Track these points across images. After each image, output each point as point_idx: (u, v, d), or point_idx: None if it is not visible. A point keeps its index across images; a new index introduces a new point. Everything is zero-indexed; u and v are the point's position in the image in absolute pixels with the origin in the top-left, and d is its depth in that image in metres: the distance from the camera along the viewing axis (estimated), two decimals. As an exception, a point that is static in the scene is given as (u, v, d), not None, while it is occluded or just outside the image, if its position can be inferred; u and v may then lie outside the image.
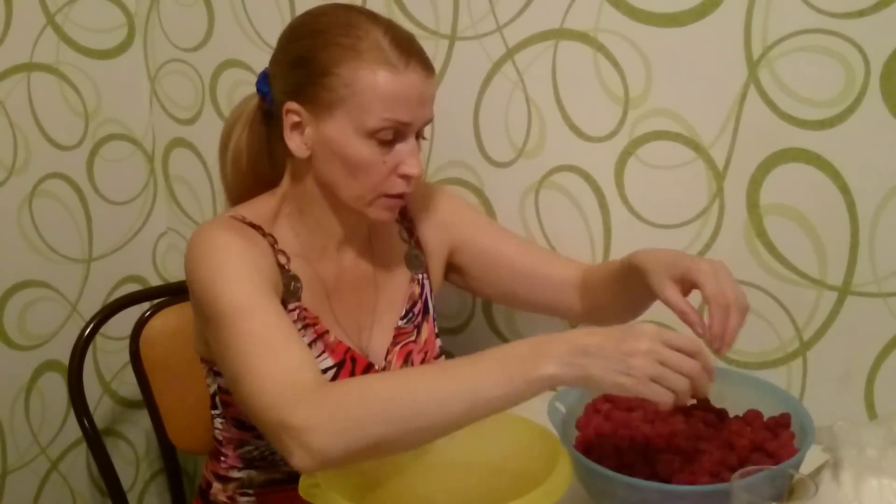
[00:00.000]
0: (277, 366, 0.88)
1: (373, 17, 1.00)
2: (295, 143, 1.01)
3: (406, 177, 1.01)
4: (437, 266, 1.19)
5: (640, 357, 0.79)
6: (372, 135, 0.98)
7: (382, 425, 0.82)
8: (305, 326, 1.04)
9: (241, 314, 0.92)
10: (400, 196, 1.03)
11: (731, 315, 0.91)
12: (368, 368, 1.08)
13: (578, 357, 0.80)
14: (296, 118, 1.00)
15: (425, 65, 1.00)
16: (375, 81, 0.96)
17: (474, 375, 0.82)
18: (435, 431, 0.83)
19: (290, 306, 1.03)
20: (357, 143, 0.98)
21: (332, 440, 0.82)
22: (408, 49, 0.98)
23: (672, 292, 0.94)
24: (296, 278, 1.04)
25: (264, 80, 1.05)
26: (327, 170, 1.01)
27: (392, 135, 0.99)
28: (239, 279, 0.95)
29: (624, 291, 1.08)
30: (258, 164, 1.10)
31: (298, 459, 0.83)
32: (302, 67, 0.99)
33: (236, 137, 1.08)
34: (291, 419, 0.83)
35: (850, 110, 1.05)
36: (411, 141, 1.01)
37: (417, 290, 1.16)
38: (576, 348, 0.80)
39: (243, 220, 1.03)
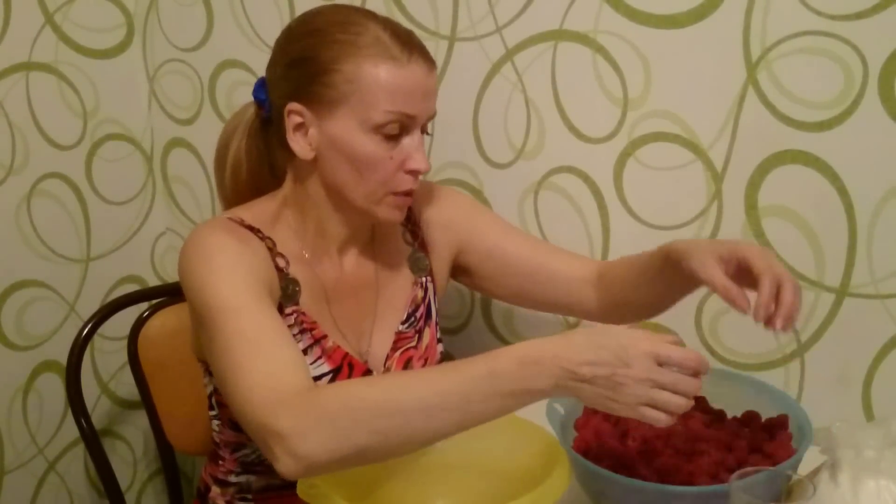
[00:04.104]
0: (263, 367, 0.86)
1: (370, 14, 1.00)
2: (299, 144, 1.00)
3: (413, 172, 1.01)
4: (442, 268, 1.18)
5: (633, 385, 0.77)
6: (377, 129, 0.97)
7: (368, 435, 0.80)
8: (302, 331, 1.03)
9: (230, 313, 0.91)
10: (408, 193, 1.02)
11: (785, 288, 0.88)
12: (367, 375, 1.07)
13: (570, 381, 0.78)
14: (298, 119, 0.99)
15: (427, 58, 0.99)
16: (378, 75, 0.95)
17: (463, 389, 0.79)
18: (421, 441, 0.82)
19: (288, 310, 1.02)
20: (363, 140, 0.97)
21: (317, 447, 0.80)
22: (408, 42, 0.98)
23: (714, 270, 0.91)
24: (294, 281, 1.03)
25: (261, 87, 1.05)
26: (333, 170, 1.00)
27: (398, 129, 0.98)
28: (230, 278, 0.94)
29: (651, 284, 1.05)
30: (258, 174, 1.09)
31: (283, 465, 0.81)
32: (302, 67, 0.98)
33: (235, 147, 1.07)
34: (276, 424, 0.81)
35: (849, 112, 1.05)
36: (416, 135, 1.00)
37: (420, 293, 1.15)
38: (567, 373, 0.78)
39: (241, 223, 1.02)
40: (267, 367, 0.87)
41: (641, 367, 0.77)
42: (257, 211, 1.05)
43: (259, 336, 0.89)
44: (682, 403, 0.78)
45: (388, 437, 0.81)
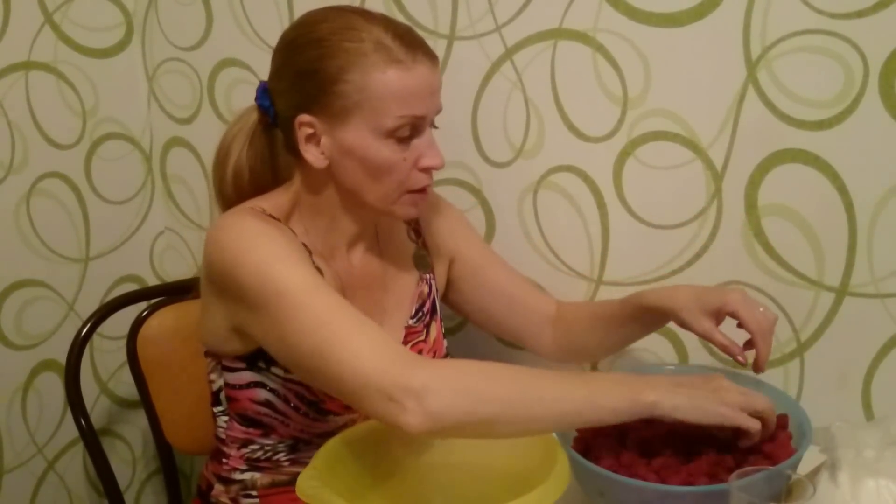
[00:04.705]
0: (373, 332, 0.88)
1: (368, 16, 1.00)
2: (312, 154, 1.00)
3: (427, 169, 1.02)
4: (441, 269, 1.20)
5: (730, 391, 0.89)
6: (390, 134, 0.98)
7: (501, 404, 0.84)
8: None
9: (310, 291, 0.91)
10: (423, 190, 1.03)
11: (767, 341, 0.99)
12: None
13: (680, 388, 0.88)
14: (309, 130, 1.00)
15: (430, 55, 1.00)
16: (387, 81, 0.96)
17: (586, 384, 0.88)
18: (545, 423, 0.87)
19: None
20: (376, 146, 0.98)
21: (452, 406, 0.83)
22: (411, 42, 0.98)
23: (711, 327, 1.00)
24: (320, 272, 1.04)
25: (264, 94, 1.04)
26: (349, 176, 1.01)
27: (409, 131, 0.99)
28: (292, 260, 0.94)
29: (612, 331, 1.12)
30: (261, 178, 1.09)
31: (412, 419, 0.82)
32: (310, 78, 0.98)
33: (237, 153, 1.07)
34: (411, 380, 0.83)
35: (849, 111, 1.05)
36: (427, 133, 1.01)
37: (426, 289, 1.16)
38: (675, 382, 0.89)
39: (264, 212, 1.03)
40: (377, 332, 0.89)
41: (728, 382, 0.90)
42: (273, 203, 1.05)
43: (349, 308, 0.91)
44: (771, 408, 0.89)
45: (517, 411, 0.85)
